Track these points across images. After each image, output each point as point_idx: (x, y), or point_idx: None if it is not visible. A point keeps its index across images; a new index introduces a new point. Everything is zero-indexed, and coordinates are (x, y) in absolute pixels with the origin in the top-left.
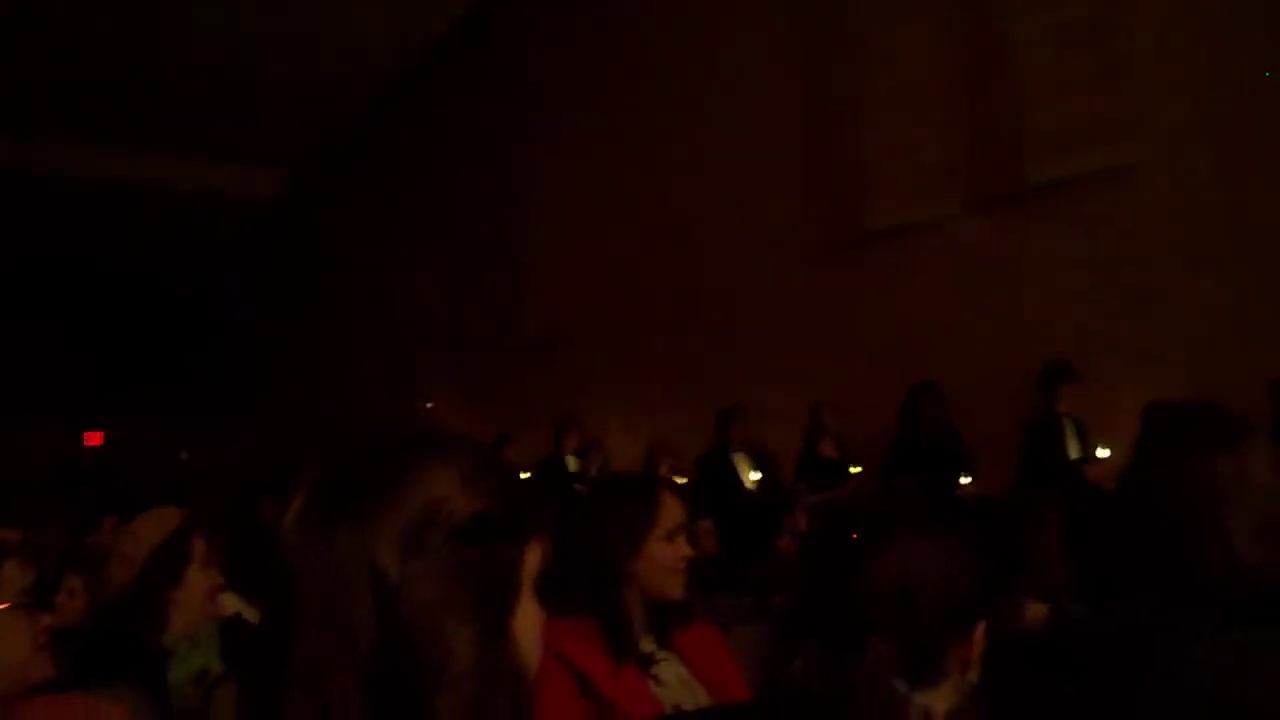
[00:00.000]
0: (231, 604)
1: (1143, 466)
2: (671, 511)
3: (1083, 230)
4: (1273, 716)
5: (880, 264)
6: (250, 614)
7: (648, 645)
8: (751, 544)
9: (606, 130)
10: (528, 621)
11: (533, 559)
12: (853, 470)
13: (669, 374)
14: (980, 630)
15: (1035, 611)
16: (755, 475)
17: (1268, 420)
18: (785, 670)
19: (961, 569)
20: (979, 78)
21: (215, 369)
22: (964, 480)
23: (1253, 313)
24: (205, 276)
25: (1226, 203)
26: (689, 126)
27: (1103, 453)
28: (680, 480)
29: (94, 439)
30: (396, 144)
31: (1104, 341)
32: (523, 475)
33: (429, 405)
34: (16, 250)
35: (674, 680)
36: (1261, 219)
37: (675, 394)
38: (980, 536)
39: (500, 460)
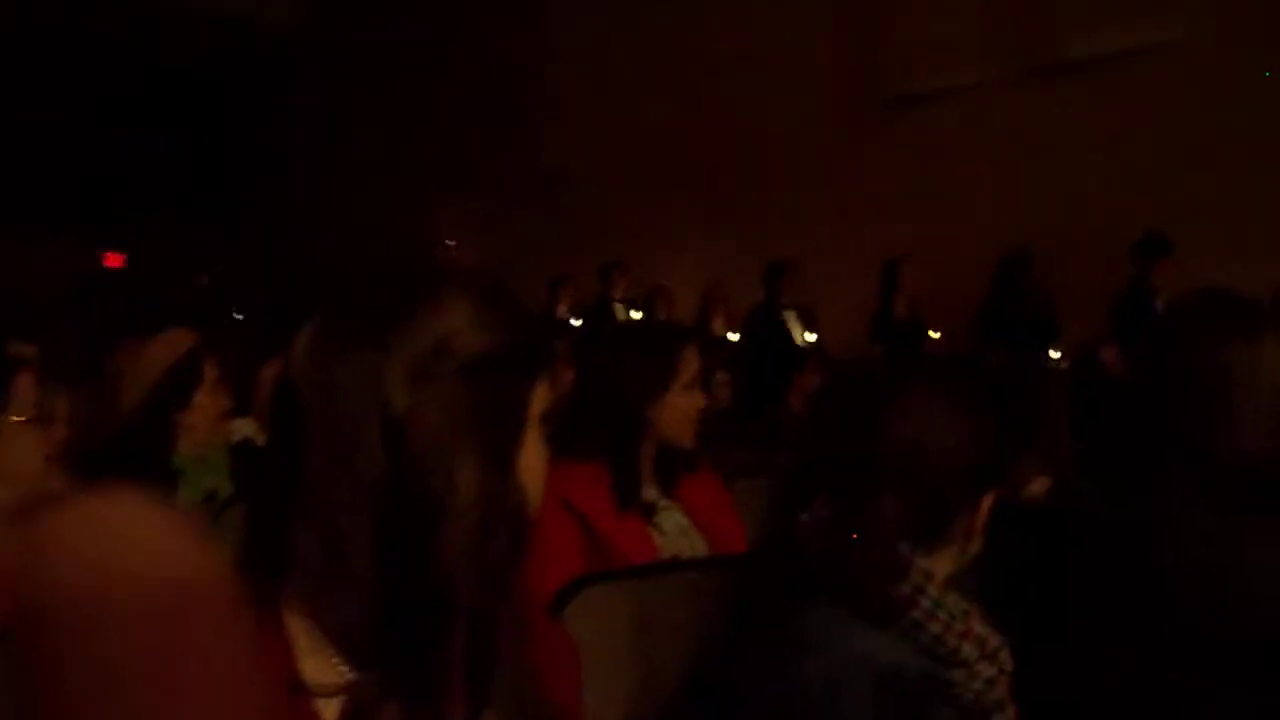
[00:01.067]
0: (243, 428)
1: (1156, 348)
2: (691, 362)
3: (1119, 107)
4: (1263, 600)
5: (911, 128)
6: (262, 439)
7: (651, 494)
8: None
9: None
10: (533, 459)
11: (540, 397)
12: (932, 335)
13: (701, 217)
14: (988, 500)
15: (1039, 484)
16: (810, 335)
17: None
18: (790, 524)
19: (975, 436)
20: None
21: (241, 188)
22: (1054, 354)
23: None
24: (233, 92)
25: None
26: None
27: None
28: (732, 335)
29: (115, 260)
30: None
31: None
32: (574, 322)
33: (449, 243)
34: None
35: (674, 529)
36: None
37: (709, 238)
38: (995, 405)
39: (511, 296)
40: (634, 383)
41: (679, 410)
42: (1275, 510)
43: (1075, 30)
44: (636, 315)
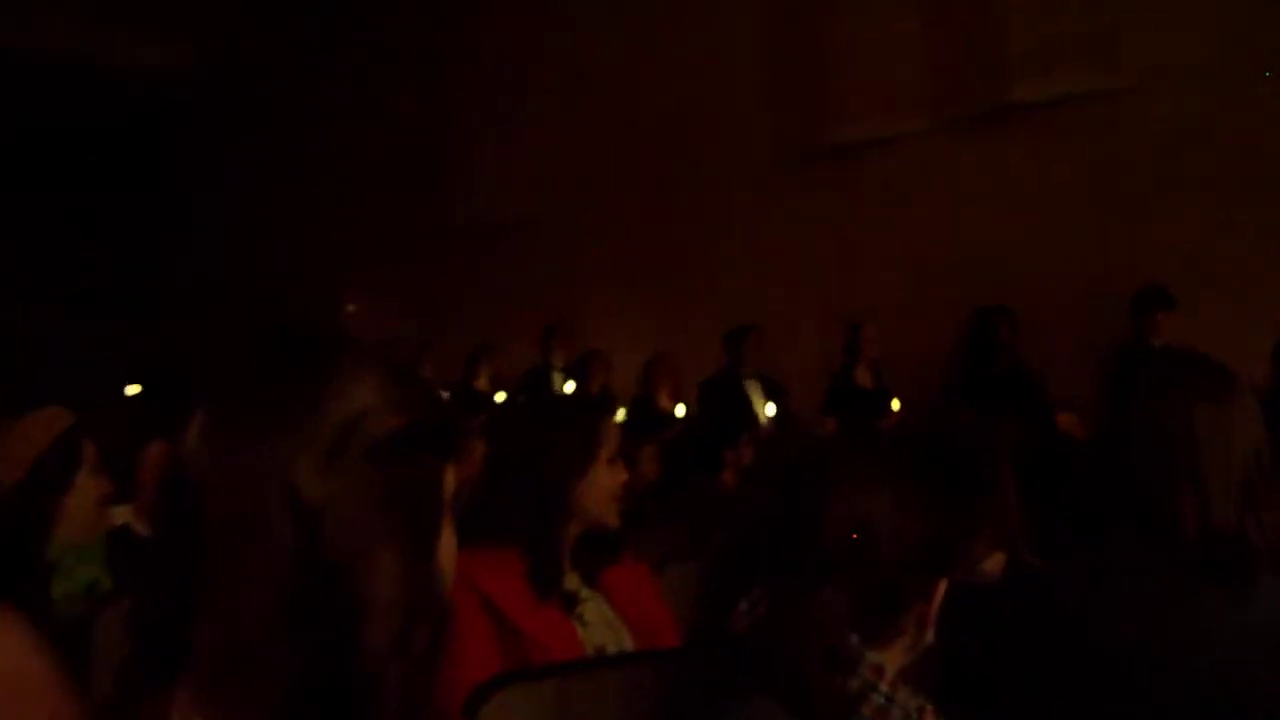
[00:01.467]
0: (121, 514)
1: (1118, 410)
2: (612, 435)
3: (1063, 156)
4: (1233, 678)
5: (844, 180)
6: (141, 525)
7: (573, 582)
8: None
9: (554, 15)
10: (447, 548)
11: (451, 480)
12: (895, 405)
13: (638, 276)
14: (942, 587)
15: (993, 561)
16: (770, 408)
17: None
18: (726, 614)
19: (928, 519)
20: None
21: (120, 251)
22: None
23: (1237, 249)
24: (112, 148)
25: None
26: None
27: None
28: (679, 409)
29: None
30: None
31: (1070, 274)
32: (498, 396)
33: (351, 309)
34: None
35: (597, 620)
36: (1253, 148)
37: (645, 299)
38: (950, 483)
39: (419, 372)
40: (555, 459)
41: (603, 487)
42: (1241, 584)
43: (1025, 75)
44: (570, 386)
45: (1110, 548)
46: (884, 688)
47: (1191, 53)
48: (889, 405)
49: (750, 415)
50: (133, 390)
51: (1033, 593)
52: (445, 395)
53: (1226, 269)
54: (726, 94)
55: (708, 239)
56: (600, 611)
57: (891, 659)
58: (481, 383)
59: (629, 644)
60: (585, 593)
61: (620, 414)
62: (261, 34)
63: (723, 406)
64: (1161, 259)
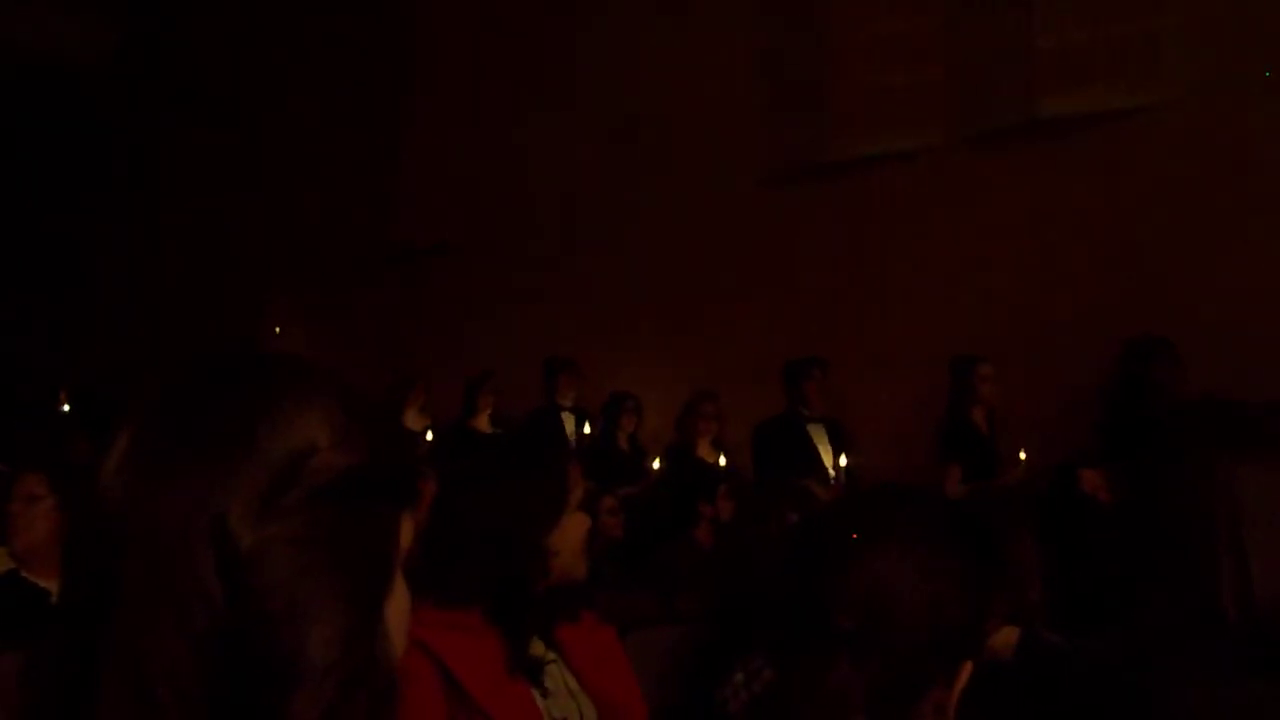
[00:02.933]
0: (4, 560)
1: (1150, 473)
2: (578, 481)
3: (1095, 177)
4: None
5: (850, 197)
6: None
7: (537, 648)
8: (661, 533)
9: (518, 21)
10: (397, 608)
11: (406, 531)
12: (1022, 456)
13: (614, 301)
14: (966, 671)
15: (1005, 636)
16: (843, 459)
17: None
18: (710, 689)
19: (957, 595)
20: None
21: (25, 264)
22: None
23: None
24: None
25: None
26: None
27: None
28: (721, 458)
29: None
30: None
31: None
32: (428, 436)
33: (276, 330)
34: None
35: (559, 689)
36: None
37: (618, 330)
38: (978, 554)
39: (375, 405)
40: (526, 509)
41: (573, 537)
42: None
43: (1053, 88)
44: (588, 429)
45: (1138, 626)
46: None
47: (1239, 66)
48: (999, 456)
49: (816, 466)
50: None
51: (1049, 675)
52: (430, 436)
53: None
54: (719, 103)
55: (696, 262)
56: (561, 679)
57: None
58: (481, 421)
59: (591, 717)
60: (547, 655)
61: (656, 463)
62: (192, 46)
63: (782, 456)
64: (1198, 295)
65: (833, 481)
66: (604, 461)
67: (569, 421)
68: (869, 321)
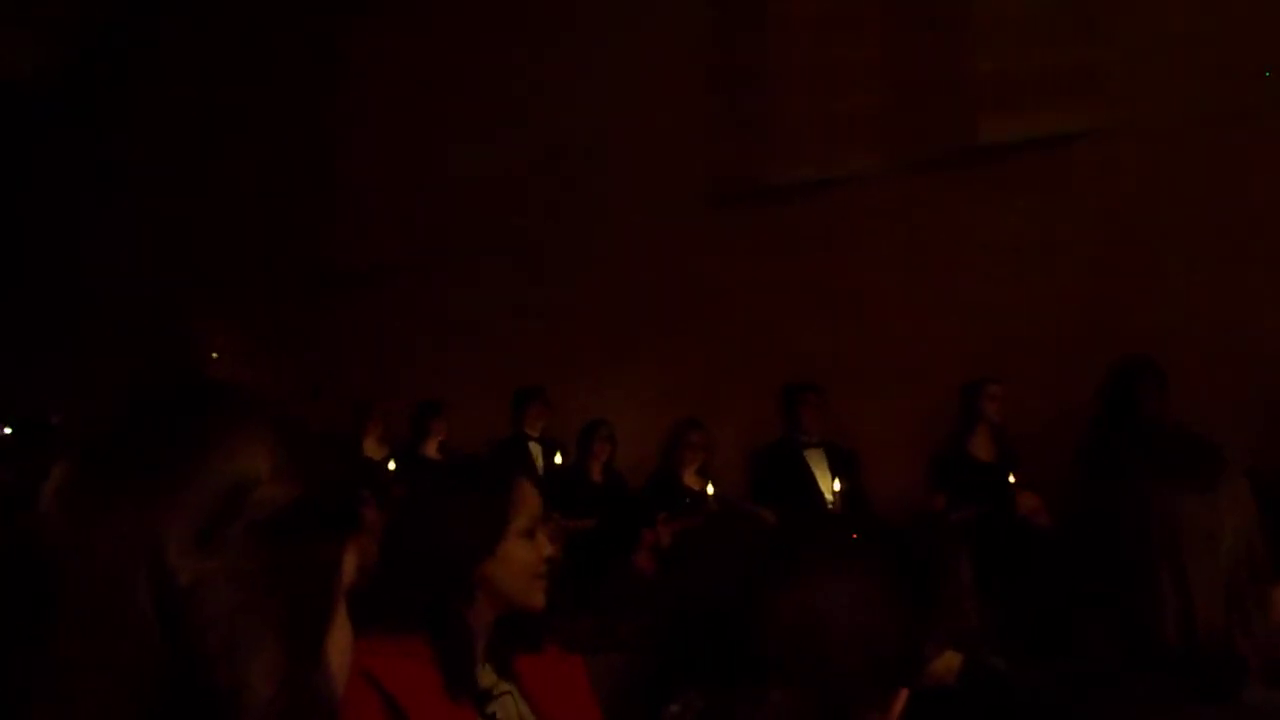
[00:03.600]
0: None
1: (1092, 497)
2: (529, 501)
3: (1035, 204)
4: None
5: (786, 223)
6: None
7: (487, 677)
8: (599, 558)
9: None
10: (339, 640)
11: (350, 562)
12: (1013, 481)
13: (558, 328)
14: (902, 697)
15: (947, 661)
16: (837, 483)
17: None
18: (659, 717)
19: (889, 618)
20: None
21: None
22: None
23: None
24: None
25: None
26: (557, 35)
27: None
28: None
29: None
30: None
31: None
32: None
33: (214, 356)
34: None
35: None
36: (1240, 198)
37: (549, 353)
38: (911, 579)
39: (317, 434)
40: (459, 529)
41: (519, 563)
42: (1228, 698)
43: (994, 113)
44: (559, 459)
45: (1080, 651)
46: None
47: (1178, 93)
48: (1007, 482)
49: (813, 492)
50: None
51: (991, 702)
52: (392, 465)
53: (1212, 334)
54: (666, 126)
55: (645, 286)
56: (515, 710)
57: None
58: (430, 449)
59: None
60: (501, 685)
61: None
62: (131, 71)
63: (779, 482)
64: (1143, 324)
65: (831, 507)
66: (574, 491)
67: (537, 452)
68: (815, 343)
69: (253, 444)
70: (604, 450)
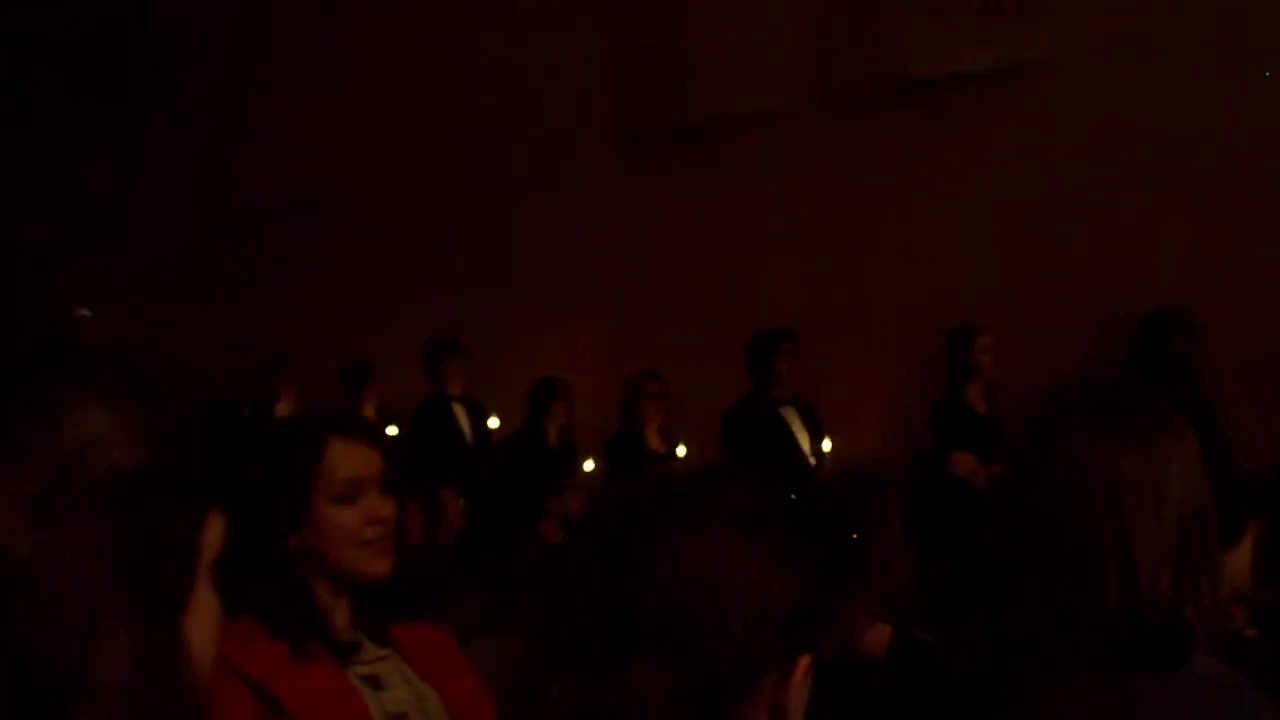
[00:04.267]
0: None
1: (1028, 457)
2: (345, 462)
3: (968, 139)
4: None
5: (707, 163)
6: None
7: (350, 635)
8: (506, 527)
9: None
10: (202, 617)
11: (213, 533)
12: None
13: (480, 279)
14: (803, 665)
15: (877, 634)
16: (826, 444)
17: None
18: (537, 703)
19: (784, 576)
20: None
21: None
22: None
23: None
24: None
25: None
26: None
27: None
28: (679, 449)
29: None
30: None
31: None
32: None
33: (84, 313)
34: None
35: (396, 680)
36: (1168, 136)
37: (471, 305)
38: (814, 532)
39: (175, 392)
40: (258, 505)
41: (337, 531)
42: (1172, 666)
43: (924, 48)
44: (495, 423)
45: (1016, 619)
46: None
47: (1111, 27)
48: (1003, 439)
49: (794, 452)
50: None
51: (923, 674)
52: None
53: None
54: (560, 62)
55: (566, 234)
56: (399, 671)
57: None
58: (283, 408)
59: (437, 709)
60: (374, 650)
61: (589, 463)
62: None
63: (754, 443)
64: (1085, 261)
65: (815, 469)
66: (532, 460)
67: (460, 414)
68: (743, 291)
69: (93, 407)
70: (561, 411)
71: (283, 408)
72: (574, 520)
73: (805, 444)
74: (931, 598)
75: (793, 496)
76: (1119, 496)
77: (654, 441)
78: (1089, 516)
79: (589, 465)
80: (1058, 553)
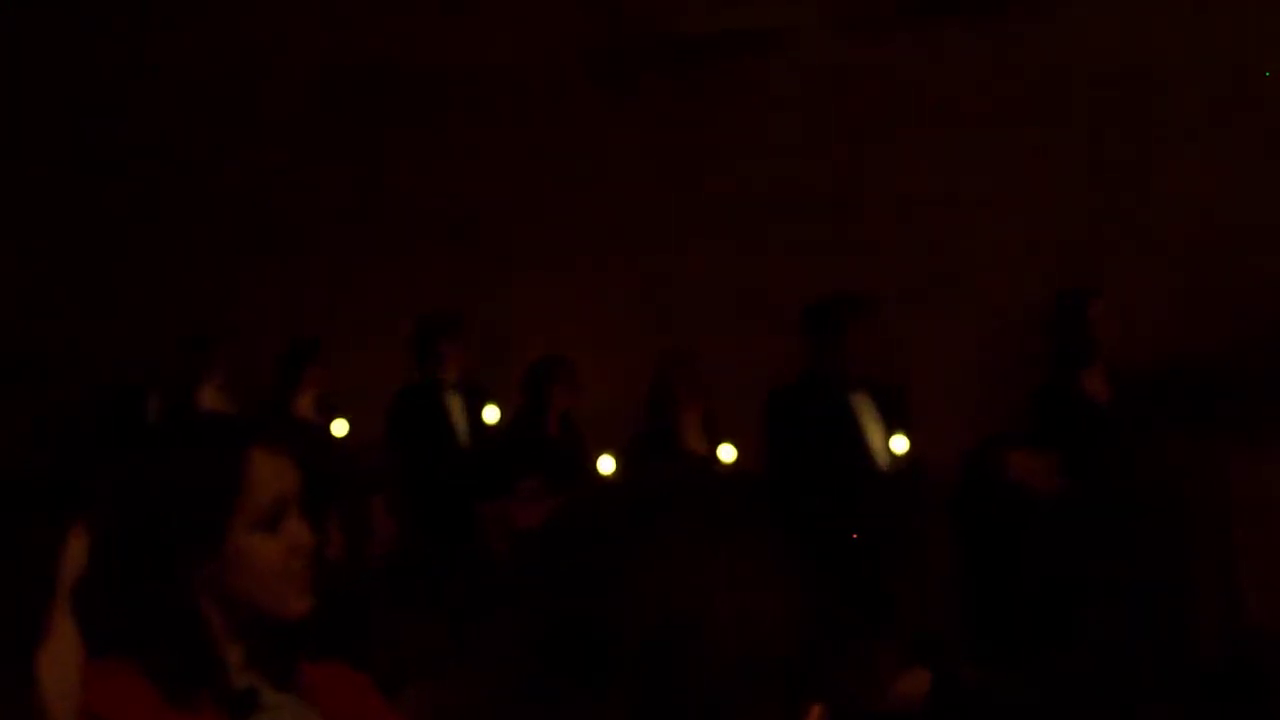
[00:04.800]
0: None
1: (1106, 464)
2: (270, 479)
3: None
4: None
5: (695, 89)
6: None
7: (245, 679)
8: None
9: None
10: (59, 652)
11: (76, 552)
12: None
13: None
14: (813, 716)
15: (914, 682)
16: (899, 441)
17: None
18: None
19: (788, 603)
20: None
21: None
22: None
23: None
24: None
25: None
26: None
27: None
28: (724, 449)
29: None
30: None
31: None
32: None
33: None
34: None
35: None
36: None
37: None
38: (829, 555)
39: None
40: (159, 520)
41: (256, 563)
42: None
43: None
44: (493, 416)
45: (1081, 656)
46: None
47: None
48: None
49: (857, 451)
50: None
51: None
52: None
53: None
54: None
55: (484, 175)
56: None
57: None
58: (304, 406)
59: None
60: (273, 696)
61: (607, 464)
62: None
63: (808, 437)
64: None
65: (886, 470)
66: (532, 454)
67: (456, 405)
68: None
69: None
70: (565, 397)
71: (206, 397)
72: (521, 535)
73: (877, 440)
74: (981, 631)
75: (824, 507)
76: (1229, 508)
77: (693, 439)
78: (1192, 530)
79: (606, 464)
80: (1140, 576)
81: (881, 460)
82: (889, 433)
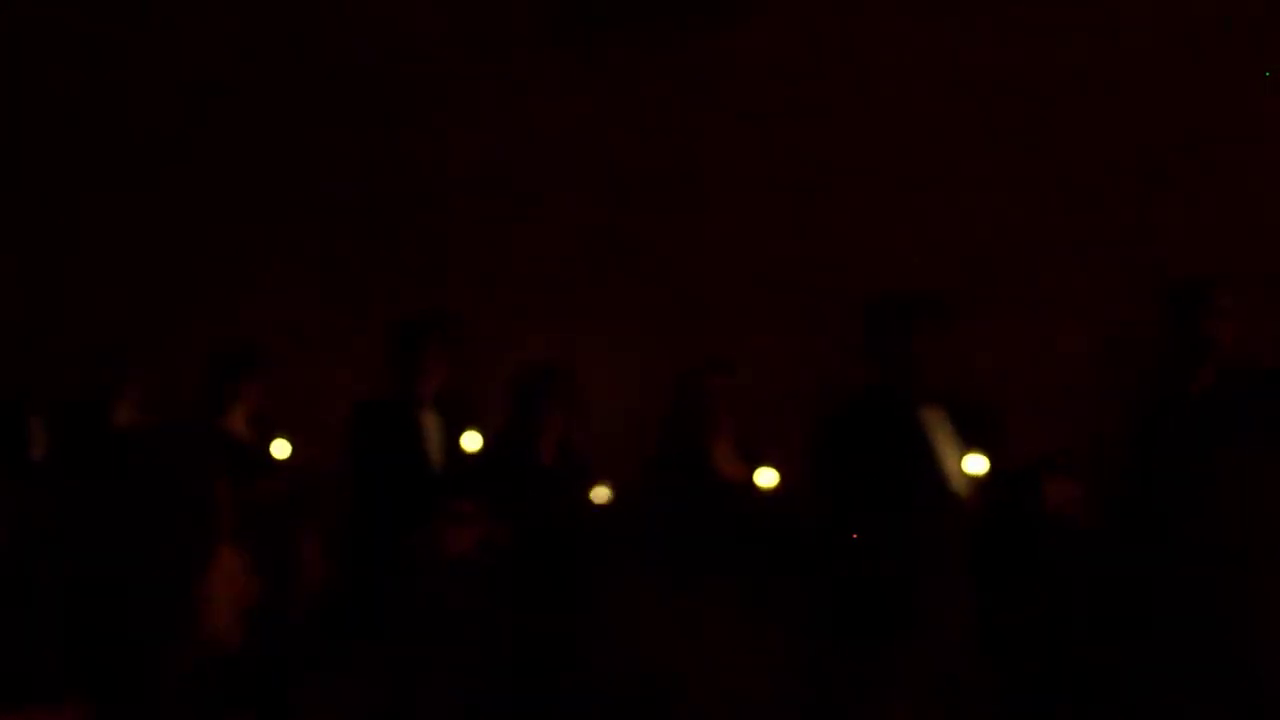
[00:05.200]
0: None
1: (1158, 479)
2: (230, 499)
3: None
4: None
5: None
6: None
7: None
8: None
9: None
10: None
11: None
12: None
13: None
14: None
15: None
16: (975, 461)
17: None
18: None
19: (768, 669)
20: None
21: None
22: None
23: None
24: None
25: None
26: None
27: None
28: (768, 476)
29: None
30: None
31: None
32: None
33: None
34: None
35: None
36: None
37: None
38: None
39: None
40: (151, 549)
41: (228, 586)
42: None
43: None
44: (475, 442)
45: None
46: None
47: None
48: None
49: (929, 474)
50: None
51: None
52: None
53: None
54: None
55: (485, 158)
56: None
57: None
58: (237, 422)
59: None
60: None
61: (600, 492)
62: None
63: (867, 458)
64: None
65: (957, 496)
66: (516, 487)
67: (430, 425)
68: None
69: None
70: (557, 417)
71: (123, 413)
72: (454, 564)
73: (953, 461)
74: (1013, 686)
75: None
76: None
77: (726, 463)
78: (1244, 568)
79: (601, 494)
80: (1198, 621)
81: (957, 485)
82: (965, 452)
